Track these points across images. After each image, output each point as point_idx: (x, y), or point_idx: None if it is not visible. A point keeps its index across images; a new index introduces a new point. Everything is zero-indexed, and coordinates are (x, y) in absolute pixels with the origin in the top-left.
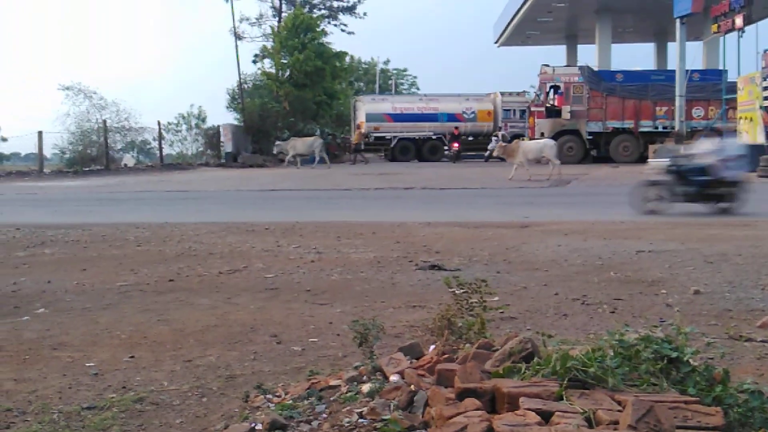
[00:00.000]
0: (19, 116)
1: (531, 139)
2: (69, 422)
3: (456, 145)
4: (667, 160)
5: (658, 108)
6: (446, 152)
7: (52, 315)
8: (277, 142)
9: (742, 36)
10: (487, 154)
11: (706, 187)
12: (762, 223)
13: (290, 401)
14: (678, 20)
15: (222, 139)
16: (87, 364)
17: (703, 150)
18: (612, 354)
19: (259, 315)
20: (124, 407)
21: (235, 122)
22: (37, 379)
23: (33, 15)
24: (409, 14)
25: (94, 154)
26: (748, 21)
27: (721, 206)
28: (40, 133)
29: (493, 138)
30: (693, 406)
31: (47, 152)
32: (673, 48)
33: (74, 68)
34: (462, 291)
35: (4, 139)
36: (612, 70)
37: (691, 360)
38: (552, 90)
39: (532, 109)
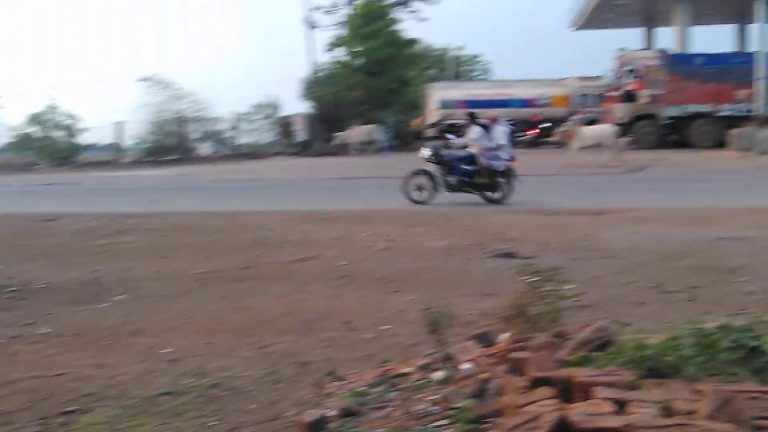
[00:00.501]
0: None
1: (610, 123)
2: (146, 407)
3: (533, 131)
4: (430, 149)
5: (738, 91)
6: (520, 138)
7: (131, 302)
8: (337, 134)
9: None
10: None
11: (471, 177)
12: None
13: (362, 388)
14: (760, 0)
15: (295, 128)
16: (164, 351)
17: (470, 139)
18: (689, 343)
19: (332, 302)
20: (199, 393)
21: (309, 111)
22: (116, 364)
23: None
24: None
25: (172, 144)
26: None
27: (487, 196)
28: (119, 123)
29: (567, 123)
30: None
31: (126, 142)
32: (754, 30)
33: (152, 61)
34: (535, 279)
35: (85, 130)
36: (691, 53)
37: None
38: (629, 74)
39: (608, 93)
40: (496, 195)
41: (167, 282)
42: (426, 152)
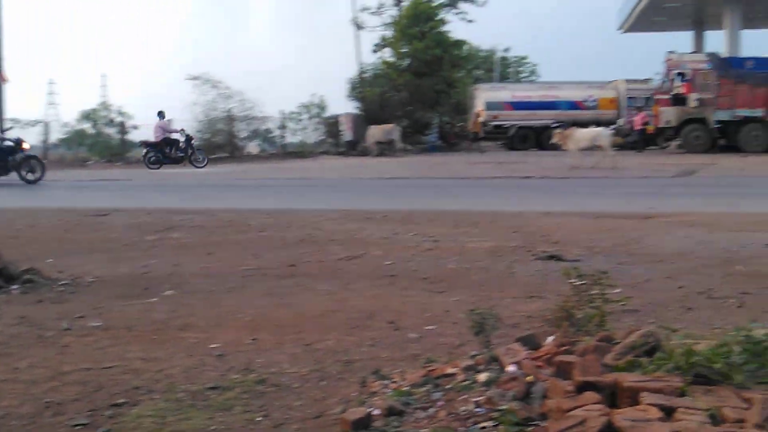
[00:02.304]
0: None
1: (656, 127)
2: (194, 401)
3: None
4: None
5: None
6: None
7: (179, 297)
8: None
9: None
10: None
11: None
12: None
13: (407, 388)
14: None
15: (342, 127)
16: (211, 346)
17: None
18: (739, 350)
19: (377, 301)
20: (246, 388)
21: (355, 111)
22: (164, 358)
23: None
24: (531, 2)
25: (220, 142)
26: None
27: None
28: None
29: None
30: None
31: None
32: None
33: (202, 60)
34: (581, 282)
35: (135, 128)
36: (741, 56)
37: None
38: (678, 77)
39: (657, 96)
40: None
41: (215, 278)
42: None
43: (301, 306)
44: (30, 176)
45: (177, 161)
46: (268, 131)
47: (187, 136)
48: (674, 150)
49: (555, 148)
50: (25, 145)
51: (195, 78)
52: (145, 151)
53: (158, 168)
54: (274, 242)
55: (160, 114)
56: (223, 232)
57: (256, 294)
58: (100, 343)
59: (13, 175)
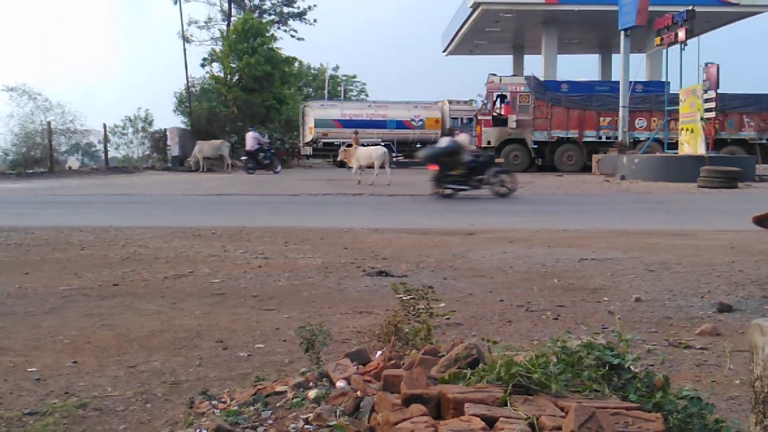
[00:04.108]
0: None
1: (479, 147)
2: (10, 428)
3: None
4: None
5: (601, 118)
6: (395, 158)
7: None
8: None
9: (684, 49)
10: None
11: None
12: (702, 233)
13: (236, 407)
14: (622, 32)
15: (168, 142)
16: (29, 369)
17: None
18: (555, 360)
19: (205, 320)
20: (66, 413)
21: (183, 126)
22: None
23: None
24: (360, 22)
25: (38, 156)
26: (690, 34)
27: None
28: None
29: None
30: (634, 413)
31: None
32: (617, 59)
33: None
34: (409, 297)
35: None
36: (557, 80)
37: (632, 367)
38: (499, 99)
39: (479, 117)
40: None
41: (32, 298)
42: None
43: (125, 327)
44: None
45: (266, 167)
46: (90, 145)
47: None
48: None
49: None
50: None
51: (11, 89)
52: (244, 159)
53: (253, 173)
54: (97, 260)
55: (253, 127)
56: (42, 250)
57: (76, 315)
58: None
59: None
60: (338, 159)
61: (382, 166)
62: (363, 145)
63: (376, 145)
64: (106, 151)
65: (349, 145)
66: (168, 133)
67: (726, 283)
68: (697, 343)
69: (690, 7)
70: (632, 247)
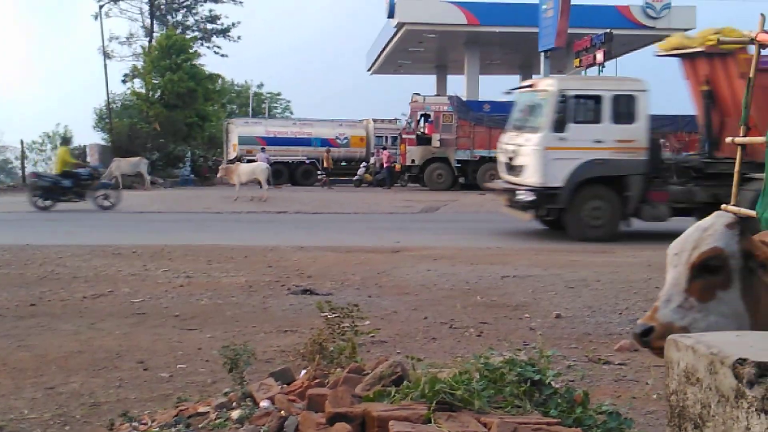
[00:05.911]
0: None
1: (403, 165)
2: None
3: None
4: None
5: None
6: (319, 176)
7: None
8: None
9: (602, 70)
10: (356, 179)
11: None
12: (620, 250)
13: (157, 429)
14: (542, 54)
15: (88, 159)
16: None
17: None
18: (478, 377)
19: (125, 341)
20: None
21: (103, 142)
22: None
23: None
24: (284, 39)
25: None
26: (608, 56)
27: None
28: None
29: (362, 165)
30: (555, 428)
31: None
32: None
33: None
34: (334, 315)
35: None
36: (480, 100)
37: (552, 382)
38: (422, 118)
39: (404, 136)
40: None
41: None
42: None
43: (43, 347)
44: None
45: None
46: (6, 162)
47: None
48: (418, 187)
49: (309, 183)
50: None
51: None
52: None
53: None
54: (12, 280)
55: (263, 149)
56: None
57: None
58: None
59: None
60: (218, 176)
61: (267, 182)
62: (305, 163)
63: (302, 163)
64: (23, 168)
65: (231, 162)
66: (87, 149)
67: (643, 300)
68: (616, 358)
69: (608, 30)
70: (553, 264)
